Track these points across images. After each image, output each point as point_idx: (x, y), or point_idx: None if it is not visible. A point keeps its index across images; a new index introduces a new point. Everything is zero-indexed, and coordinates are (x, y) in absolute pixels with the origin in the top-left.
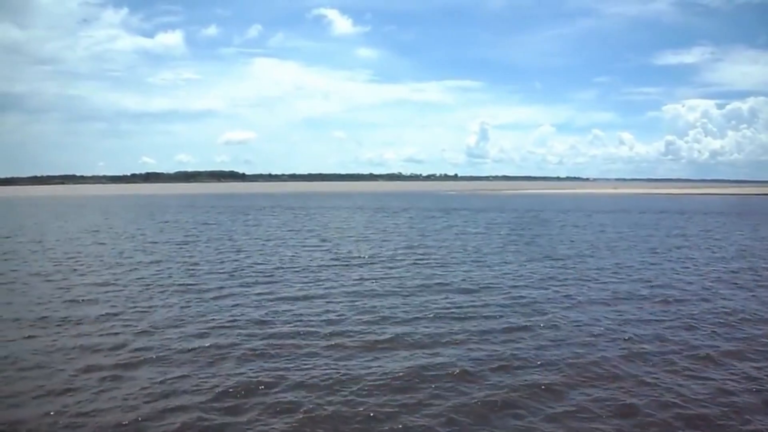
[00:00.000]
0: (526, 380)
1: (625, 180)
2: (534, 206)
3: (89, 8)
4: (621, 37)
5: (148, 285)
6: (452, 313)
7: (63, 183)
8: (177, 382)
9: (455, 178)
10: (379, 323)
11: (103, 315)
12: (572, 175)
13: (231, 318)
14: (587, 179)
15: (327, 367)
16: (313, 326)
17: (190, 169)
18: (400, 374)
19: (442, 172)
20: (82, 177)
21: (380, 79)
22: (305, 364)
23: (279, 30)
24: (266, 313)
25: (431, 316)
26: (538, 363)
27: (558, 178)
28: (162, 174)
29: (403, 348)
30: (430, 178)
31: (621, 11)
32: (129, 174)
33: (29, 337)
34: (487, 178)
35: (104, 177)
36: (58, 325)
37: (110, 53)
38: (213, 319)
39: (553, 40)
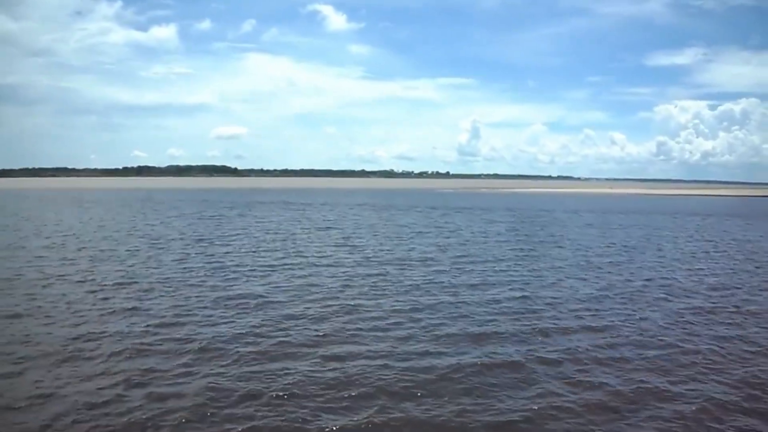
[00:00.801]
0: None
1: (616, 180)
2: (539, 205)
3: (83, 0)
4: (614, 37)
5: (176, 288)
6: (527, 315)
7: (55, 175)
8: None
9: (447, 175)
10: (450, 333)
11: (145, 326)
12: (563, 174)
13: (285, 332)
14: (578, 179)
15: (433, 411)
16: (386, 341)
17: (181, 164)
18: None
19: (434, 170)
20: (74, 170)
21: (373, 75)
22: (405, 396)
23: (273, 25)
24: (324, 326)
25: (509, 319)
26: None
27: (549, 177)
28: (154, 168)
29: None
30: (421, 175)
31: (614, 11)
32: (121, 167)
33: (71, 355)
34: (478, 176)
35: (96, 170)
36: (100, 339)
37: (103, 46)
38: (266, 333)
39: (547, 39)
